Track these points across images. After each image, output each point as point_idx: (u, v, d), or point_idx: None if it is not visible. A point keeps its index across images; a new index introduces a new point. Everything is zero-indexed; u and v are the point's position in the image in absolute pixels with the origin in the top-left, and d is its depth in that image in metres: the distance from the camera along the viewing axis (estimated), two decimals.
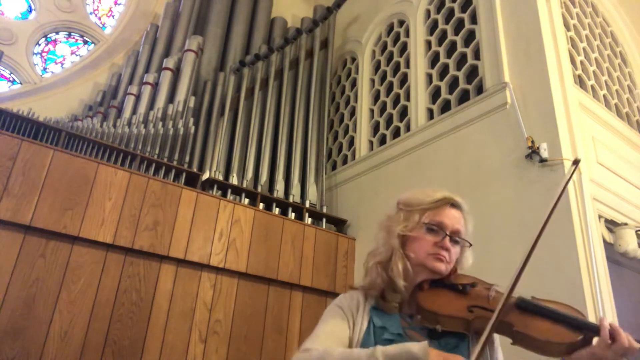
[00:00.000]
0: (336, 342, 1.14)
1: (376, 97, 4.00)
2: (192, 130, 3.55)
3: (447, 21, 3.52)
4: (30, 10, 4.62)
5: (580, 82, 2.92)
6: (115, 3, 5.09)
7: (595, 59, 3.22)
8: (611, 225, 2.59)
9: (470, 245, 1.27)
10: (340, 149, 4.18)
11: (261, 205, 3.40)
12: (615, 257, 2.56)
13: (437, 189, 1.29)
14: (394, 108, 3.74)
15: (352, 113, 4.18)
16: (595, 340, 1.04)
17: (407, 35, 3.84)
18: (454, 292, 1.19)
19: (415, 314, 1.17)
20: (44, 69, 4.53)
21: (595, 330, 1.04)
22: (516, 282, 1.09)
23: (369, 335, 1.14)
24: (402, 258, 1.20)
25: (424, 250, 1.20)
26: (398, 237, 1.23)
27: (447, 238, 1.21)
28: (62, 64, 4.62)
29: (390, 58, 3.99)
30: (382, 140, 3.75)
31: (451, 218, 1.24)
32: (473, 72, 3.17)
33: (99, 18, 4.96)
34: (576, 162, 1.25)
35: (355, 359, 1.03)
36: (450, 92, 3.26)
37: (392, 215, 1.30)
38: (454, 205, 1.27)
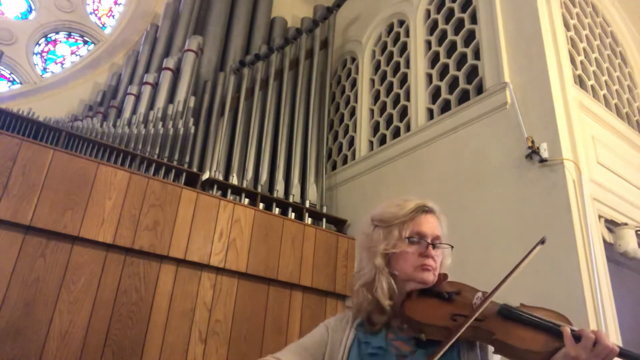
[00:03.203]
0: (305, 356, 1.20)
1: (376, 97, 4.00)
2: (192, 130, 3.55)
3: (447, 21, 3.52)
4: (30, 10, 4.62)
5: (580, 82, 2.92)
6: (115, 3, 5.09)
7: (595, 59, 3.22)
8: (611, 225, 2.59)
9: (452, 247, 1.27)
10: (340, 149, 4.18)
11: (261, 205, 3.40)
12: (615, 257, 2.56)
13: (406, 198, 1.28)
14: (394, 108, 3.74)
15: (352, 113, 4.18)
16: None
17: (407, 35, 3.84)
18: (440, 300, 1.18)
19: (403, 325, 1.17)
20: (44, 69, 4.53)
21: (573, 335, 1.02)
22: (495, 291, 1.09)
23: (353, 349, 1.18)
24: (386, 277, 1.19)
25: (410, 264, 1.20)
26: (382, 256, 1.21)
27: (430, 246, 1.21)
28: (62, 64, 4.62)
29: (390, 58, 3.99)
30: (382, 140, 3.75)
31: (429, 225, 1.24)
32: (473, 72, 3.17)
33: (99, 18, 4.96)
34: (543, 240, 1.21)
35: None
36: (450, 92, 3.26)
37: (370, 233, 1.28)
38: (428, 210, 1.26)
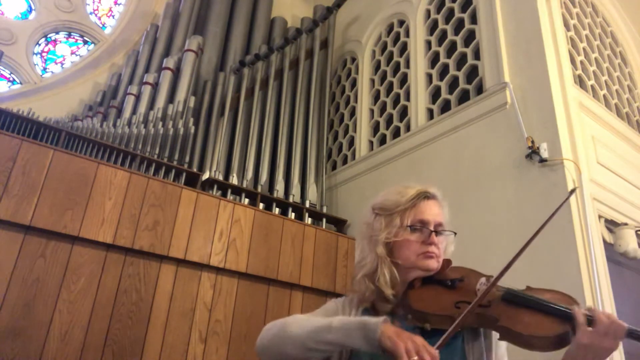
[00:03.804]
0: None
1: (376, 97, 4.00)
2: (192, 130, 3.55)
3: (447, 21, 3.52)
4: (30, 10, 4.62)
5: (580, 82, 2.92)
6: (115, 3, 5.09)
7: (595, 59, 3.22)
8: (611, 225, 2.59)
9: (455, 234, 1.26)
10: (340, 149, 4.18)
11: (261, 205, 3.40)
12: (615, 257, 2.56)
13: (408, 185, 1.27)
14: (394, 108, 3.74)
15: (352, 113, 4.18)
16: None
17: (407, 35, 3.84)
18: (443, 288, 1.17)
19: (407, 314, 1.16)
20: (44, 69, 4.53)
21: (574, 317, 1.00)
22: (500, 276, 1.07)
23: None
24: (389, 266, 1.18)
25: (413, 252, 1.19)
26: (383, 245, 1.20)
27: (433, 234, 1.19)
28: (62, 64, 4.62)
29: (390, 58, 3.99)
30: (382, 140, 3.75)
31: (431, 211, 1.22)
32: (473, 72, 3.17)
33: (99, 18, 4.96)
34: (573, 191, 1.27)
35: (314, 326, 1.06)
36: (450, 92, 3.26)
37: (371, 222, 1.26)
38: (430, 197, 1.24)
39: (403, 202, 1.22)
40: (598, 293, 2.13)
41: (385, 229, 1.21)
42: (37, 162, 2.45)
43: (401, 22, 3.99)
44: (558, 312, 1.03)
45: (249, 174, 3.69)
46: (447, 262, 1.23)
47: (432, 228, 1.20)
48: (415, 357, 0.92)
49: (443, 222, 1.23)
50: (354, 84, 4.32)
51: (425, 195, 1.23)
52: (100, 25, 4.91)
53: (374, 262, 1.20)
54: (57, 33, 4.69)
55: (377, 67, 4.11)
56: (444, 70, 3.40)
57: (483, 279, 1.15)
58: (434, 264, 1.19)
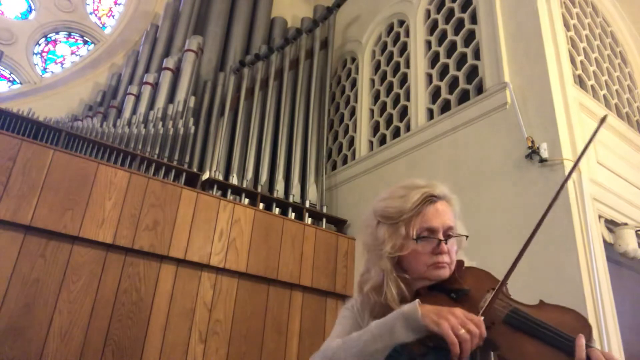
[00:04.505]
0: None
1: (376, 97, 4.00)
2: (192, 130, 3.55)
3: (447, 21, 3.52)
4: (30, 10, 4.62)
5: (580, 82, 2.92)
6: (115, 3, 5.09)
7: (595, 59, 3.22)
8: (611, 225, 2.59)
9: (467, 237, 1.17)
10: (340, 149, 4.18)
11: (261, 205, 3.40)
12: (615, 257, 2.56)
13: (411, 185, 1.16)
14: (394, 108, 3.73)
15: (352, 113, 4.18)
16: None
17: (407, 35, 3.84)
18: (448, 299, 1.06)
19: None
20: (44, 69, 4.53)
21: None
22: (498, 292, 0.99)
23: None
24: (395, 281, 1.09)
25: (422, 264, 1.09)
26: (388, 259, 1.10)
27: (443, 242, 1.09)
28: (62, 64, 4.62)
29: (390, 58, 3.99)
30: (382, 140, 3.75)
31: (439, 217, 1.11)
32: (473, 72, 3.17)
33: (99, 18, 4.96)
34: (603, 120, 1.13)
35: (358, 344, 0.99)
36: (450, 92, 3.26)
37: (373, 228, 1.16)
38: (436, 200, 1.13)
39: (407, 209, 1.10)
40: (598, 293, 2.13)
41: (389, 240, 1.11)
42: (37, 162, 2.45)
43: (401, 22, 3.99)
44: (561, 345, 0.93)
45: (249, 174, 3.69)
46: (459, 264, 1.14)
47: (441, 236, 1.10)
48: (462, 331, 0.89)
49: (453, 226, 1.13)
50: (354, 84, 4.32)
51: (431, 200, 1.12)
52: (100, 25, 4.91)
53: (379, 275, 1.11)
54: (57, 33, 4.69)
55: (377, 67, 4.11)
56: (444, 70, 3.40)
57: (488, 295, 1.04)
58: (445, 274, 1.10)
